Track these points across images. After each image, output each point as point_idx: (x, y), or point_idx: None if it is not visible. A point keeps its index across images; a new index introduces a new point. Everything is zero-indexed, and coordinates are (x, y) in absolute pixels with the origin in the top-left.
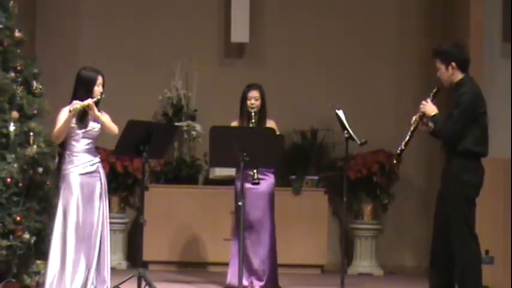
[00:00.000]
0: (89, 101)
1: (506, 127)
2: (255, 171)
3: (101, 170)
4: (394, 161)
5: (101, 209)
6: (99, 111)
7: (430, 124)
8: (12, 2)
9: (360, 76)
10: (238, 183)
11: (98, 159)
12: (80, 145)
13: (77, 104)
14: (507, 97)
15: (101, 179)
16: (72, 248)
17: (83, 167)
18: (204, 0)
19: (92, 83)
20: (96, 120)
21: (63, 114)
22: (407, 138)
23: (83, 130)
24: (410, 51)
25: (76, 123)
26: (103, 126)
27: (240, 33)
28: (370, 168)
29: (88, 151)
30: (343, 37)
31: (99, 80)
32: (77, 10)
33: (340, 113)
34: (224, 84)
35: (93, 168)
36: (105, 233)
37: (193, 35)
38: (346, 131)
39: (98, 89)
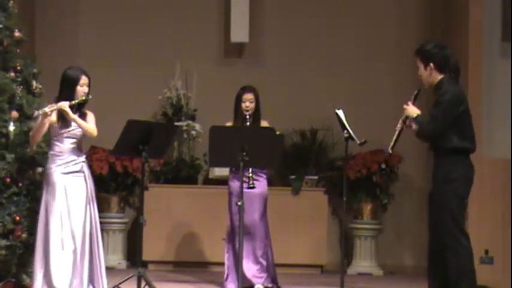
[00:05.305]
0: (61, 104)
1: (506, 127)
2: (250, 175)
3: (86, 170)
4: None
5: (87, 209)
6: (84, 112)
7: (414, 126)
8: (11, 1)
9: (359, 76)
10: (232, 184)
11: (82, 158)
12: (63, 145)
13: (45, 108)
14: (507, 97)
15: (86, 179)
16: (55, 248)
17: (65, 167)
18: (204, 1)
19: (75, 82)
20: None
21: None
22: (393, 143)
23: (65, 130)
24: (409, 52)
25: (58, 124)
26: (81, 129)
27: (239, 33)
28: (369, 168)
29: (72, 151)
30: (342, 37)
31: (83, 79)
32: (76, 10)
33: (340, 112)
34: (224, 84)
35: (77, 168)
36: (95, 233)
37: (193, 35)
38: (345, 131)
39: (81, 89)
